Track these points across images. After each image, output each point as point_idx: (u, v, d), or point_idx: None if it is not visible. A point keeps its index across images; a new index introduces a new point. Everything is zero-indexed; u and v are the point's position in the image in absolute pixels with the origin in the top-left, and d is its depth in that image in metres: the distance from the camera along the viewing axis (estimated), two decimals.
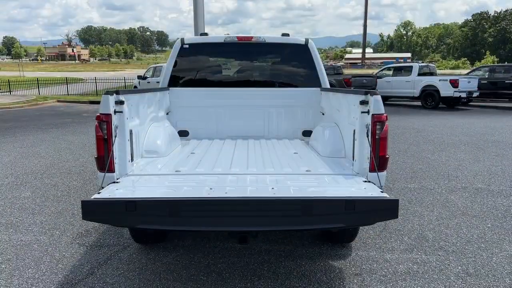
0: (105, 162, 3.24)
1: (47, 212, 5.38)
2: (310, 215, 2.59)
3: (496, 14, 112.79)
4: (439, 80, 19.59)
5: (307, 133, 5.59)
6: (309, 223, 2.61)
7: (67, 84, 29.00)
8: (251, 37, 5.52)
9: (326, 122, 5.02)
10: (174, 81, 5.57)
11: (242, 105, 5.54)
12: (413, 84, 20.44)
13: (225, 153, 4.48)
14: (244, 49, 5.59)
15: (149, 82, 21.58)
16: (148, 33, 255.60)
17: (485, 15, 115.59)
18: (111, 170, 3.29)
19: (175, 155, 4.36)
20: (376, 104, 3.30)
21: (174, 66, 5.53)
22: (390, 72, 22.62)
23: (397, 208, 2.64)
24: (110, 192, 2.94)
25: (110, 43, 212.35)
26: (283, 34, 5.70)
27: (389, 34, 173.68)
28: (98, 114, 3.28)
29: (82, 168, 7.72)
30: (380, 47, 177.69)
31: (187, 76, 5.67)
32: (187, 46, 5.51)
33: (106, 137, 3.26)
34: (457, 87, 18.63)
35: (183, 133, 5.52)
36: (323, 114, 5.49)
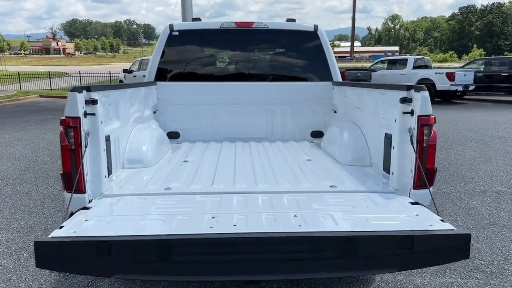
0: (72, 179, 2.53)
1: (16, 228, 4.64)
2: (352, 257, 1.91)
3: (482, 8, 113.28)
4: (435, 73, 19.08)
5: (316, 134, 4.92)
6: (348, 268, 1.93)
7: (50, 79, 27.88)
8: (252, 23, 4.82)
9: (342, 122, 4.35)
10: (162, 74, 4.83)
11: (242, 102, 4.84)
12: (408, 77, 19.86)
13: (224, 161, 3.78)
14: (243, 36, 4.88)
15: (135, 76, 20.69)
16: (134, 26, 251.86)
17: (472, 8, 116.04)
18: (81, 189, 2.57)
19: (164, 164, 3.65)
20: (423, 102, 2.64)
21: (162, 56, 4.80)
22: (384, 65, 22.05)
23: (469, 245, 1.98)
24: (77, 225, 2.22)
25: (96, 36, 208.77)
26: (288, 20, 5.00)
27: (377, 28, 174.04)
28: (63, 118, 2.56)
29: (61, 172, 6.93)
30: (368, 40, 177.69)
31: (177, 69, 4.94)
32: (176, 33, 4.78)
33: (74, 147, 2.54)
34: (453, 80, 18.15)
35: (173, 135, 4.80)
36: (335, 112, 4.82)
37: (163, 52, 4.78)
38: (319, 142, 4.78)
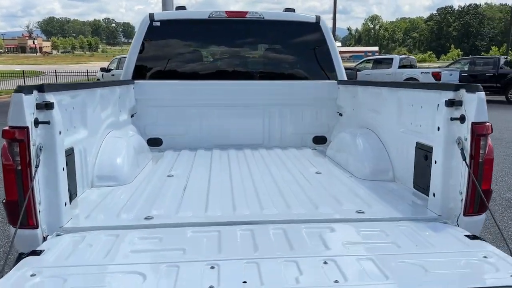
0: (19, 210, 1.84)
1: None
2: None
3: (460, 9, 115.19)
4: (421, 72, 18.77)
5: (319, 140, 4.31)
6: None
7: (24, 78, 26.60)
8: (245, 13, 4.17)
9: (352, 126, 3.75)
10: (141, 71, 4.14)
11: (234, 104, 4.19)
12: (394, 77, 19.53)
13: (218, 175, 3.12)
14: (235, 28, 4.23)
15: (113, 75, 19.72)
16: (113, 24, 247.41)
17: (449, 9, 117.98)
18: (31, 224, 1.89)
19: (144, 181, 2.97)
20: (479, 106, 2.05)
21: (141, 51, 4.11)
22: (370, 65, 21.70)
23: None
24: (17, 286, 1.53)
25: (74, 35, 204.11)
26: (287, 10, 4.37)
27: (357, 28, 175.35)
28: (6, 129, 1.88)
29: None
30: (349, 40, 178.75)
31: (158, 65, 4.26)
32: (157, 23, 4.10)
33: (20, 167, 1.86)
34: (439, 79, 17.86)
35: (154, 142, 4.12)
36: (340, 115, 4.22)
37: (142, 45, 4.09)
38: (322, 149, 4.18)
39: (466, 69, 20.50)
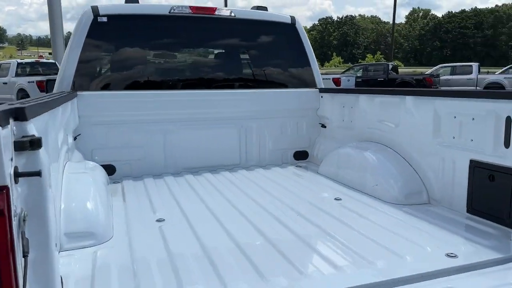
0: None
1: None
2: None
3: (338, 20, 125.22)
4: (322, 79, 19.67)
5: (300, 156, 3.80)
6: None
7: None
8: (214, 9, 3.48)
9: (348, 140, 3.32)
10: (83, 80, 3.20)
11: (205, 118, 3.47)
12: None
13: (225, 214, 2.39)
14: (202, 27, 3.51)
15: (5, 83, 16.71)
16: None
17: (329, 20, 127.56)
18: None
19: (128, 234, 2.12)
20: None
21: (83, 54, 3.16)
22: None
23: None
24: None
25: None
26: (257, 8, 3.78)
27: None
28: None
29: None
30: None
31: (106, 72, 3.36)
32: (104, 19, 3.21)
33: None
34: (339, 85, 18.77)
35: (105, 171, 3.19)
36: (324, 126, 3.76)
37: (84, 47, 3.14)
38: (307, 166, 3.69)
39: (360, 75, 21.96)
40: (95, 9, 3.19)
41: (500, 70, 23.16)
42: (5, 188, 1.02)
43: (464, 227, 2.19)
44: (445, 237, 2.06)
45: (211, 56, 3.73)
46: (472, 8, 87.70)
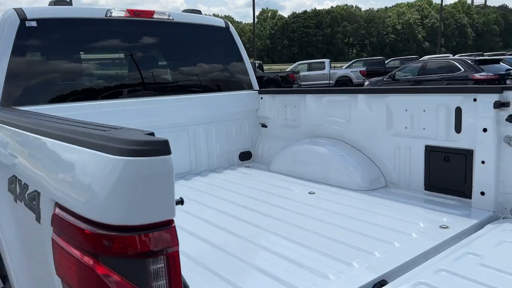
0: None
1: None
2: None
3: None
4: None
5: (245, 156, 3.90)
6: None
7: None
8: (152, 12, 3.33)
9: (295, 138, 3.55)
10: (11, 93, 2.76)
11: (154, 127, 3.29)
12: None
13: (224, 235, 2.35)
14: (140, 31, 3.32)
15: None
16: None
17: None
18: None
19: None
20: None
21: (9, 64, 2.72)
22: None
23: None
24: None
25: None
26: (192, 11, 3.71)
27: None
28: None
29: None
30: None
31: (38, 83, 2.94)
32: (33, 23, 2.81)
33: None
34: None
35: None
36: (265, 126, 3.92)
37: (11, 56, 2.69)
38: (252, 165, 3.80)
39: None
40: (20, 12, 2.76)
41: (346, 65, 26.40)
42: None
43: (434, 203, 2.58)
44: (425, 213, 2.41)
45: (152, 62, 3.54)
46: (312, 9, 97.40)
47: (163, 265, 0.92)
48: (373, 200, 2.68)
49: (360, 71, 22.53)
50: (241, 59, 3.86)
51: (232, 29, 3.84)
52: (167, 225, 0.92)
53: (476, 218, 2.28)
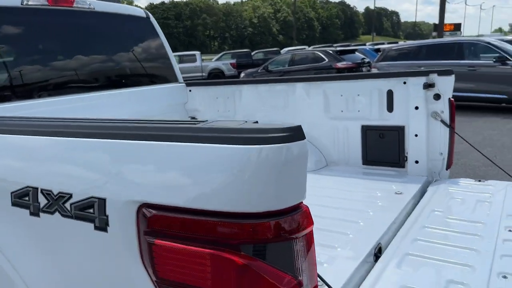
0: None
1: None
2: None
3: None
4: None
5: None
6: None
7: None
8: (72, 0, 3.00)
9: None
10: None
11: None
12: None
13: None
14: (59, 21, 2.96)
15: None
16: None
17: None
18: None
19: None
20: (452, 85, 2.70)
21: None
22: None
23: None
24: None
25: None
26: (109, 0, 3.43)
27: None
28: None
29: None
30: None
31: None
32: None
33: None
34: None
35: None
36: (194, 118, 3.88)
37: None
38: None
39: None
40: None
41: (215, 58, 26.86)
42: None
43: (378, 174, 2.95)
44: (375, 183, 2.75)
45: (70, 56, 3.17)
46: (170, 1, 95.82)
47: (303, 244, 0.96)
48: (324, 178, 2.93)
49: (230, 63, 23.18)
50: (164, 51, 3.72)
51: (153, 19, 3.67)
52: (301, 208, 0.96)
53: (417, 183, 2.70)
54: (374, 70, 11.90)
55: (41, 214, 1.25)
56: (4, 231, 1.36)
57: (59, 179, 1.21)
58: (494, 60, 10.50)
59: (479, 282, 1.48)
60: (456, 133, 2.74)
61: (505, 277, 1.51)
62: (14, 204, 1.32)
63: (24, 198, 1.29)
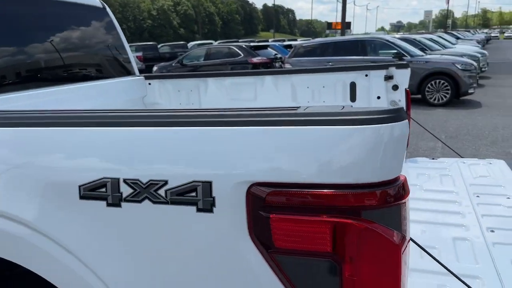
0: None
1: None
2: None
3: None
4: None
5: None
6: None
7: None
8: None
9: None
10: None
11: None
12: None
13: None
14: (10, 10, 2.72)
15: None
16: None
17: None
18: None
19: None
20: (408, 77, 3.10)
21: None
22: None
23: None
24: None
25: None
26: None
27: None
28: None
29: None
30: None
31: None
32: None
33: None
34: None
35: None
36: None
37: None
38: None
39: None
40: None
41: None
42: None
43: None
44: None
45: (30, 47, 2.90)
46: None
47: (405, 208, 1.16)
48: None
49: (137, 57, 22.35)
50: (121, 43, 3.61)
51: (108, 10, 3.53)
52: (401, 178, 1.16)
53: None
54: (287, 66, 12.53)
55: (123, 204, 1.26)
56: (70, 228, 1.33)
57: (150, 168, 1.24)
58: (392, 56, 11.75)
59: (477, 237, 1.83)
60: (412, 119, 3.17)
61: (492, 231, 1.88)
62: (83, 197, 1.31)
63: (99, 190, 1.28)
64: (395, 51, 11.99)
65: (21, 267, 1.39)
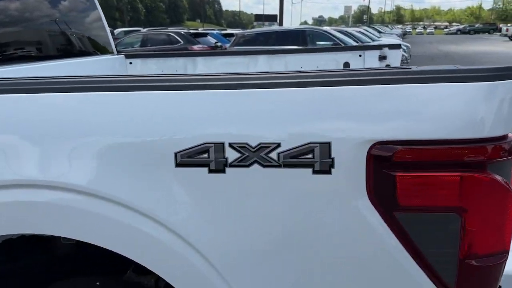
0: None
1: None
2: None
3: None
4: None
5: None
6: None
7: None
8: None
9: None
10: None
11: None
12: None
13: None
14: None
15: None
16: None
17: None
18: None
19: None
20: (399, 57, 3.24)
21: None
22: None
23: None
24: None
25: None
26: None
27: None
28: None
29: None
30: None
31: None
32: None
33: None
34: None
35: None
36: None
37: None
38: None
39: None
40: None
41: None
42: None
43: None
44: None
45: (14, 23, 2.55)
46: None
47: None
48: None
49: None
50: (100, 20, 3.33)
51: None
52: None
53: None
54: None
55: (227, 169, 1.20)
56: (166, 199, 1.23)
57: (259, 130, 1.18)
58: (331, 45, 12.22)
59: None
60: None
61: None
62: (180, 164, 1.21)
63: (201, 156, 1.20)
64: (333, 42, 12.46)
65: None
